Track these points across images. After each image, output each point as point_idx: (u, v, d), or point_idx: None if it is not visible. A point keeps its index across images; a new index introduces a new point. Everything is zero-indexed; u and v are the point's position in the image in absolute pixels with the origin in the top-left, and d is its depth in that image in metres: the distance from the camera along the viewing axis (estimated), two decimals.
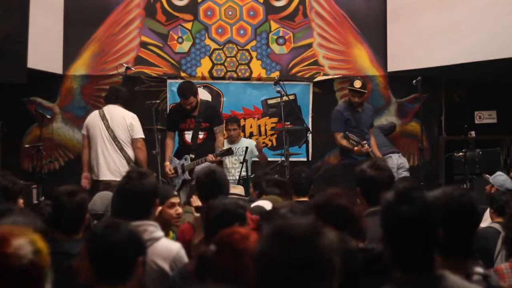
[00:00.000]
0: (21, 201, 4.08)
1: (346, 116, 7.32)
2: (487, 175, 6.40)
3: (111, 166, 6.43)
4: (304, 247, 1.64)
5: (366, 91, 7.41)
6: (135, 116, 6.61)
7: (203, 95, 8.66)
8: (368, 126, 7.40)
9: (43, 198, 6.78)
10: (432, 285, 2.08)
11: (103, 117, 6.49)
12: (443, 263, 2.18)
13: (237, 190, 5.63)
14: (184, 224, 4.10)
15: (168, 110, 8.54)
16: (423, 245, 2.09)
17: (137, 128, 6.51)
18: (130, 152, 6.45)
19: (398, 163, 8.03)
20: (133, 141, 6.47)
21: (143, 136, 6.56)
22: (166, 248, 3.06)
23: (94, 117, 6.62)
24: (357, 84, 7.29)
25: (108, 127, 6.44)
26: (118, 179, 6.17)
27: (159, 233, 3.10)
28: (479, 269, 2.43)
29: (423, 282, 2.08)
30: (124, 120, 6.47)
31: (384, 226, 2.15)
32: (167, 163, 6.87)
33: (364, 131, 7.30)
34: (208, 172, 4.02)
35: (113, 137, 6.41)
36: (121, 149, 6.41)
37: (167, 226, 3.67)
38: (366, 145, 6.90)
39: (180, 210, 3.86)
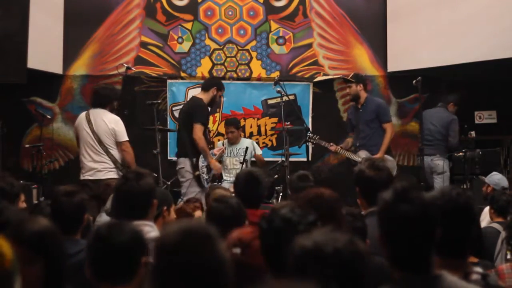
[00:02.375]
0: (23, 202, 4.08)
1: (349, 114, 7.53)
2: (483, 177, 6.42)
3: (99, 167, 6.46)
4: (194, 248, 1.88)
5: (353, 81, 7.29)
6: (117, 119, 6.52)
7: (203, 95, 8.68)
8: (366, 123, 7.28)
9: (43, 198, 6.79)
10: (430, 285, 2.08)
11: (89, 121, 6.49)
12: (441, 262, 2.18)
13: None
14: None
15: (168, 109, 8.58)
16: (421, 244, 2.08)
17: (119, 132, 6.45)
18: (115, 154, 6.46)
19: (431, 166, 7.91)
20: (118, 144, 6.46)
21: (127, 139, 6.48)
22: None
23: (81, 120, 6.61)
24: (350, 75, 7.45)
25: (93, 131, 6.44)
26: (111, 177, 6.27)
27: (155, 233, 3.10)
28: (478, 269, 2.43)
29: (421, 282, 2.08)
30: (106, 125, 6.42)
31: (382, 225, 2.14)
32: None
33: (359, 129, 7.32)
34: (253, 177, 4.03)
35: (99, 141, 6.42)
36: (107, 152, 6.43)
37: None
38: (333, 145, 7.28)
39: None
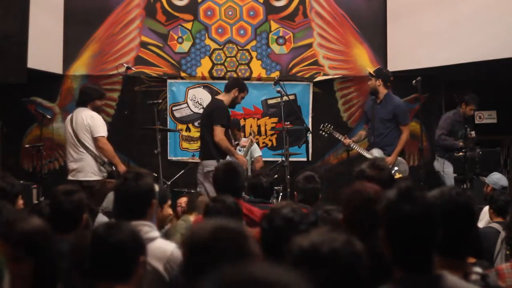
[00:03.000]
0: (21, 201, 4.08)
1: (365, 108, 7.48)
2: (484, 178, 6.42)
3: (78, 167, 6.46)
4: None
5: (373, 75, 7.25)
6: (94, 115, 6.51)
7: (203, 95, 8.69)
8: (382, 121, 7.23)
9: (43, 198, 6.79)
10: (431, 285, 2.07)
11: (71, 121, 6.54)
12: (441, 263, 2.18)
13: None
14: (199, 217, 4.13)
15: (168, 109, 8.58)
16: (424, 244, 2.08)
17: (94, 128, 6.44)
18: (95, 151, 6.46)
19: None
20: (94, 141, 6.46)
21: (102, 134, 6.45)
22: (160, 248, 3.05)
23: (66, 121, 6.71)
24: (373, 68, 7.44)
25: (73, 130, 6.48)
26: (91, 178, 6.28)
27: (154, 233, 3.09)
28: (477, 269, 2.43)
29: (422, 282, 2.07)
30: (82, 121, 6.44)
31: (385, 224, 2.13)
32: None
33: (374, 126, 7.27)
34: (231, 167, 4.09)
35: (78, 140, 6.45)
36: (87, 149, 6.43)
37: (162, 224, 3.78)
38: (347, 138, 7.26)
39: (170, 211, 3.98)
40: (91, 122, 6.44)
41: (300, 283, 1.21)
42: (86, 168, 6.43)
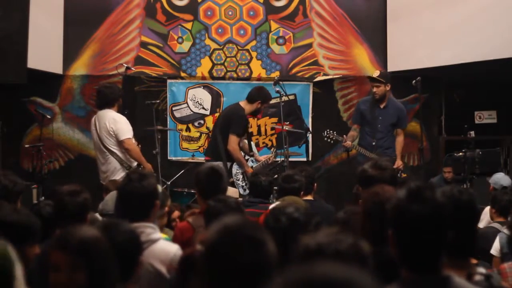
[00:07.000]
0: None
1: (362, 109, 7.31)
2: (488, 177, 6.42)
3: (107, 172, 6.43)
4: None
5: (383, 81, 7.12)
6: (117, 118, 6.47)
7: (203, 95, 8.69)
8: (387, 126, 7.18)
9: (43, 198, 6.78)
10: (438, 286, 2.06)
11: (95, 123, 6.52)
12: (445, 262, 2.17)
13: (229, 192, 5.59)
14: (183, 223, 4.09)
15: (168, 109, 8.58)
16: (432, 245, 2.06)
17: (120, 131, 6.40)
18: (120, 154, 6.42)
19: None
20: (120, 143, 6.43)
21: (128, 136, 6.41)
22: (163, 250, 3.04)
23: (92, 123, 6.68)
24: (376, 73, 7.30)
25: (98, 133, 6.46)
26: (119, 177, 6.23)
27: (157, 234, 3.08)
28: (481, 269, 2.42)
29: (429, 283, 2.06)
30: (106, 126, 6.41)
31: (394, 224, 2.11)
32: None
33: (378, 130, 7.20)
34: (212, 171, 4.07)
35: (102, 142, 6.43)
36: (112, 153, 6.40)
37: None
38: (348, 141, 6.97)
39: (177, 214, 3.92)
40: (114, 126, 6.40)
41: (371, 281, 1.20)
42: (114, 171, 6.40)
